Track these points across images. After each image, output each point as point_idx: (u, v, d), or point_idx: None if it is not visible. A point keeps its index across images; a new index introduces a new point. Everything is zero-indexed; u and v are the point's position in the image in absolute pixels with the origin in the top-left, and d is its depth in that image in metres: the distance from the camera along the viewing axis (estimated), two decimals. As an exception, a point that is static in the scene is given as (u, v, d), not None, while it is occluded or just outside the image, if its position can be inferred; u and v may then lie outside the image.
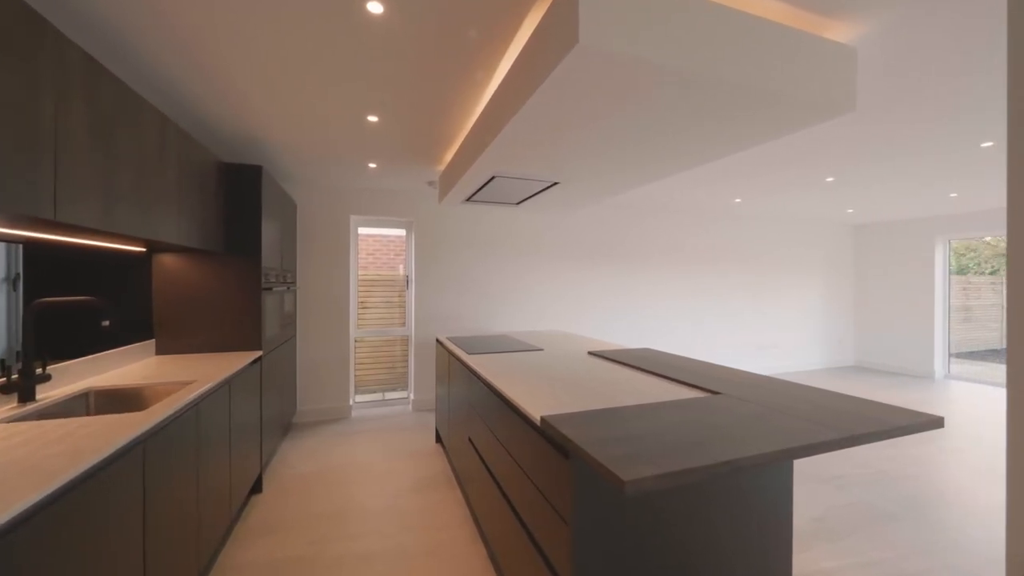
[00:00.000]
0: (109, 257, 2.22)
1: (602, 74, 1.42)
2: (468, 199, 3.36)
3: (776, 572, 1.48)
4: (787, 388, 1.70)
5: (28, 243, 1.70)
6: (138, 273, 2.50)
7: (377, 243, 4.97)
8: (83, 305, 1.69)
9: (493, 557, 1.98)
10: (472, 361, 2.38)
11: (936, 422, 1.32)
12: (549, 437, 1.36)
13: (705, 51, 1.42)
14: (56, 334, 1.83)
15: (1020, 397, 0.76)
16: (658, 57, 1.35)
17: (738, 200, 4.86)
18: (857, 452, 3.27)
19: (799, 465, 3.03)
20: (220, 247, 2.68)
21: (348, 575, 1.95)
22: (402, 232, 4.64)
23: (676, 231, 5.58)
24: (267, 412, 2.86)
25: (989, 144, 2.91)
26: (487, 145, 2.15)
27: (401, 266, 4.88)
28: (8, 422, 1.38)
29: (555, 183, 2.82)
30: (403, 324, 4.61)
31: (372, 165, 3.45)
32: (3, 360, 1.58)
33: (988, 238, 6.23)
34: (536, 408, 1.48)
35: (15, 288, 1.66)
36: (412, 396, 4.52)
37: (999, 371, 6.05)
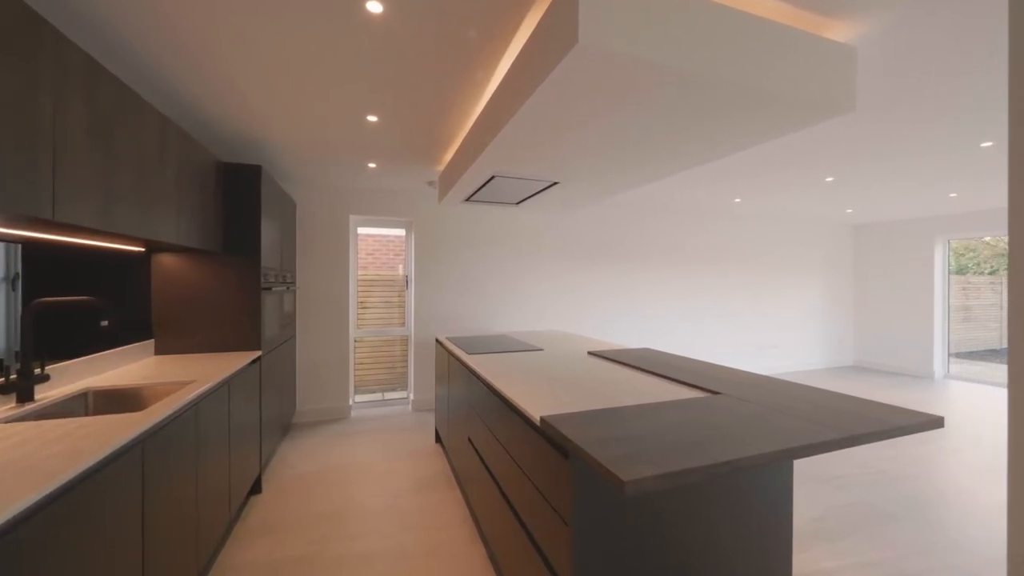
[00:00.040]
0: (108, 257, 2.22)
1: (602, 74, 1.42)
2: (468, 199, 3.36)
3: (776, 572, 1.48)
4: (787, 388, 1.70)
5: (27, 243, 1.70)
6: (137, 273, 2.50)
7: (377, 243, 4.97)
8: (82, 305, 1.69)
9: (493, 557, 1.98)
10: (472, 361, 2.38)
11: (936, 422, 1.32)
12: (549, 437, 1.35)
13: (705, 51, 1.42)
14: (55, 334, 1.83)
15: (1022, 397, 0.76)
16: (658, 57, 1.35)
17: (738, 200, 4.86)
18: (857, 452, 3.27)
19: (799, 465, 3.03)
20: (219, 247, 2.67)
21: (348, 575, 1.95)
22: (402, 232, 4.64)
23: (676, 231, 5.58)
24: (266, 412, 2.86)
25: (989, 144, 2.91)
26: (487, 145, 2.14)
27: (401, 266, 4.88)
28: (6, 422, 1.37)
29: (555, 183, 2.82)
30: (403, 324, 4.61)
31: (372, 165, 3.45)
32: (2, 360, 1.58)
33: (987, 238, 6.23)
34: (536, 408, 1.48)
35: (14, 288, 1.65)
36: (412, 396, 4.52)
37: (998, 371, 6.05)
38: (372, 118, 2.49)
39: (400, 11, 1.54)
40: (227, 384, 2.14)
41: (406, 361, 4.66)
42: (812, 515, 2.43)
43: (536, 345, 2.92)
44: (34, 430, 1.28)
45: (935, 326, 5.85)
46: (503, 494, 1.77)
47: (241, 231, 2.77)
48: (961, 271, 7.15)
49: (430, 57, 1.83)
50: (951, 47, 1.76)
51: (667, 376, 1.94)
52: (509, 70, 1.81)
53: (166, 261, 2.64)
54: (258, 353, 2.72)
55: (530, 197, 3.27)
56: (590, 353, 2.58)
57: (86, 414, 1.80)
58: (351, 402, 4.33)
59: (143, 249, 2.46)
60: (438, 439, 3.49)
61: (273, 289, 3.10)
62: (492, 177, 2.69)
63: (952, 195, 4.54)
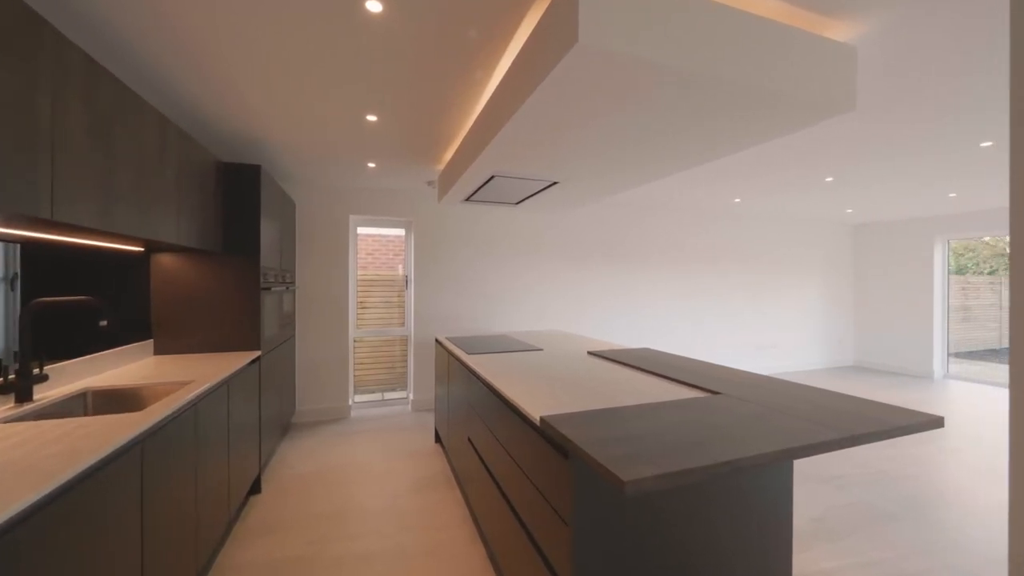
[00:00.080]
0: (108, 257, 2.21)
1: (601, 73, 1.42)
2: (467, 199, 3.35)
3: (776, 572, 1.48)
4: (787, 388, 1.70)
5: (27, 243, 1.70)
6: (136, 273, 2.49)
7: (376, 243, 4.97)
8: (81, 305, 1.69)
9: (492, 557, 1.98)
10: (471, 361, 2.37)
11: (936, 422, 1.32)
12: (549, 437, 1.35)
13: (705, 50, 1.42)
14: (54, 334, 1.82)
15: (1023, 397, 0.76)
16: (658, 56, 1.35)
17: (738, 200, 4.87)
18: (857, 452, 3.27)
19: (799, 465, 3.03)
20: (219, 247, 2.67)
21: (347, 575, 1.94)
22: (401, 232, 4.64)
23: (676, 231, 5.58)
24: (266, 412, 2.86)
25: (988, 144, 2.91)
26: (486, 144, 2.14)
27: (400, 266, 4.88)
28: (5, 423, 1.37)
29: (554, 183, 2.82)
30: (402, 324, 4.61)
31: (371, 165, 3.45)
32: (0, 360, 1.57)
33: (987, 238, 6.23)
34: (536, 408, 1.47)
35: (13, 288, 1.65)
36: (411, 396, 4.52)
37: (998, 371, 6.06)
38: (372, 118, 2.48)
39: (400, 10, 1.53)
40: (226, 384, 2.14)
41: (406, 361, 4.66)
42: (812, 515, 2.43)
43: (536, 345, 2.92)
44: (33, 430, 1.27)
45: (935, 326, 5.85)
46: (503, 494, 1.77)
47: (241, 231, 2.76)
48: (960, 271, 7.15)
49: (430, 56, 1.83)
50: (951, 47, 1.76)
51: (667, 376, 1.93)
52: (509, 69, 1.81)
53: (165, 261, 2.63)
54: (257, 353, 2.72)
55: (530, 197, 3.27)
56: (590, 353, 2.58)
57: (85, 414, 1.80)
58: (351, 402, 4.32)
59: (142, 249, 2.45)
60: (438, 439, 3.48)
61: (272, 289, 3.10)
62: (492, 177, 2.69)
63: (952, 195, 4.55)
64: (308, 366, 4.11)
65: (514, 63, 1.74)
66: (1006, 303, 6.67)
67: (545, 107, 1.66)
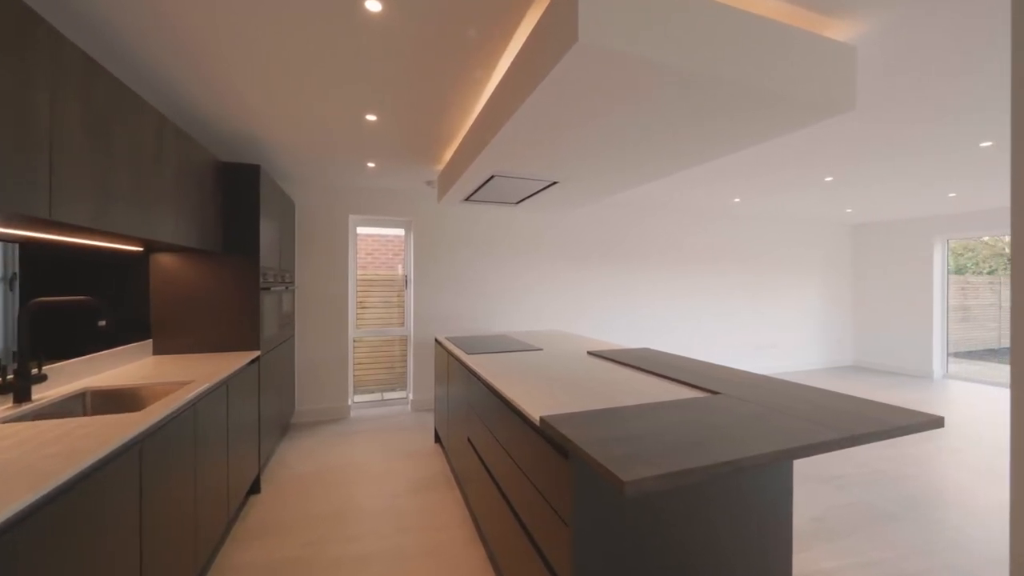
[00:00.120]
0: (107, 257, 2.21)
1: (601, 73, 1.42)
2: (467, 198, 3.35)
3: (776, 572, 1.48)
4: (787, 388, 1.70)
5: (26, 243, 1.69)
6: (136, 273, 2.49)
7: (376, 243, 4.96)
8: (79, 305, 1.68)
9: (492, 558, 1.97)
10: (471, 361, 2.37)
11: (936, 422, 1.32)
12: (548, 437, 1.35)
13: (705, 50, 1.41)
14: (52, 334, 1.82)
15: None
16: (658, 56, 1.35)
17: (737, 200, 4.87)
18: (857, 452, 3.27)
19: (799, 465, 3.03)
20: (218, 247, 2.67)
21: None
22: (401, 232, 4.63)
23: (675, 231, 5.58)
24: (265, 412, 2.85)
25: (988, 144, 2.91)
26: (486, 144, 2.14)
27: (400, 266, 4.88)
28: (3, 423, 1.37)
29: (554, 182, 2.82)
30: (402, 324, 4.60)
31: (371, 164, 3.44)
32: (-1, 360, 1.57)
33: (986, 238, 6.24)
34: (535, 408, 1.47)
35: (11, 288, 1.65)
36: (411, 396, 4.52)
37: (997, 371, 6.06)
38: (371, 117, 2.48)
39: (399, 10, 1.53)
40: (226, 384, 2.14)
41: (405, 361, 4.65)
42: (812, 515, 2.43)
43: (535, 345, 2.92)
44: (31, 430, 1.27)
45: (934, 326, 5.86)
46: (503, 494, 1.77)
47: (240, 231, 2.76)
48: (960, 271, 7.16)
49: (429, 56, 1.83)
50: (951, 47, 1.76)
51: (666, 376, 1.93)
52: (509, 69, 1.81)
53: (165, 261, 2.63)
54: (257, 353, 2.71)
55: (529, 197, 3.27)
56: (589, 353, 2.58)
57: (84, 414, 1.79)
58: (350, 402, 4.32)
59: (141, 249, 2.45)
60: (437, 439, 3.48)
61: (272, 289, 3.09)
62: (491, 177, 2.68)
63: (951, 195, 4.55)
64: (307, 366, 4.11)
65: (514, 62, 1.74)
66: (1005, 303, 6.68)
67: (545, 107, 1.66)
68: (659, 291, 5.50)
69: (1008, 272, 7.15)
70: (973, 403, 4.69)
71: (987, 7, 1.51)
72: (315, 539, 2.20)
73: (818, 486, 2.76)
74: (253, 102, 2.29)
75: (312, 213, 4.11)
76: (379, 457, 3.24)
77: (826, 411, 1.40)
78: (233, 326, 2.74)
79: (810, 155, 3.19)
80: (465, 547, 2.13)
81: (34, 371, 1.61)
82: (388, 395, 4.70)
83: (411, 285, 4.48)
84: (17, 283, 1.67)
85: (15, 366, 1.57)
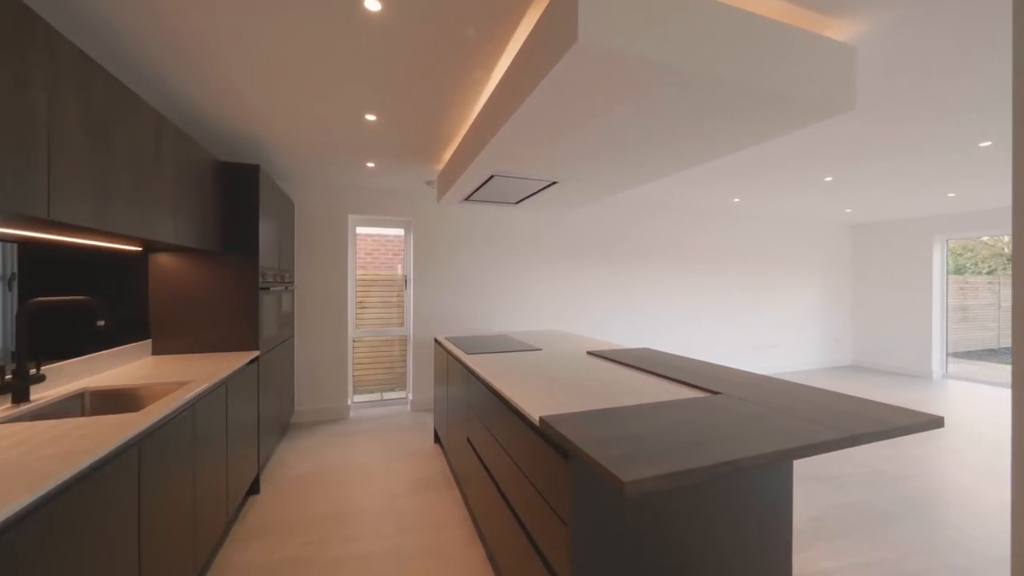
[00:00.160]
0: (106, 257, 2.20)
1: (601, 73, 1.42)
2: (467, 198, 3.35)
3: (776, 572, 1.48)
4: (786, 388, 1.69)
5: (25, 242, 1.69)
6: (135, 273, 2.48)
7: (375, 243, 4.96)
8: (77, 305, 1.68)
9: (491, 558, 1.97)
10: (471, 361, 2.37)
11: (936, 422, 1.32)
12: (548, 437, 1.35)
13: (705, 50, 1.41)
14: (51, 334, 1.81)
15: None
16: (657, 56, 1.35)
17: (737, 200, 4.87)
18: (857, 452, 3.27)
19: (799, 465, 3.03)
20: (217, 246, 2.66)
21: (346, 576, 1.94)
22: (400, 232, 4.63)
23: (675, 231, 5.58)
24: (264, 412, 2.85)
25: (987, 144, 2.92)
26: (486, 144, 2.14)
27: (399, 266, 4.87)
28: (1, 423, 1.36)
29: (554, 182, 2.81)
30: (401, 324, 4.60)
31: (370, 164, 3.44)
32: (-3, 360, 1.57)
33: (985, 238, 6.25)
34: (535, 408, 1.47)
35: (9, 288, 1.64)
36: (410, 396, 4.51)
37: (996, 370, 6.07)
38: (371, 117, 2.48)
39: (399, 9, 1.53)
40: (225, 384, 2.13)
41: (405, 361, 4.65)
42: (812, 515, 2.43)
43: (535, 345, 2.91)
44: (29, 431, 1.27)
45: (933, 326, 5.86)
46: (502, 494, 1.77)
47: (239, 231, 2.76)
48: (959, 271, 7.17)
49: (429, 55, 1.83)
50: (951, 47, 1.76)
51: (666, 376, 1.93)
52: (508, 69, 1.81)
53: (164, 261, 2.63)
54: (256, 353, 2.71)
55: (529, 196, 3.26)
56: (589, 353, 2.58)
57: (82, 415, 1.79)
58: (350, 402, 4.31)
59: (140, 249, 2.44)
60: (437, 439, 3.48)
61: (271, 289, 3.09)
62: (491, 176, 2.68)
63: (951, 195, 4.55)
64: (307, 366, 4.10)
65: (513, 62, 1.74)
66: (1004, 303, 6.68)
67: (544, 106, 1.66)
68: (659, 291, 5.50)
69: (1007, 272, 7.16)
70: (973, 403, 4.69)
71: (987, 7, 1.51)
72: (314, 539, 2.20)
73: (818, 486, 2.76)
74: (253, 102, 2.29)
75: (311, 213, 4.11)
76: (379, 457, 3.24)
77: (826, 411, 1.40)
78: (232, 326, 2.74)
79: (810, 155, 3.19)
80: (464, 547, 2.13)
81: (32, 371, 1.60)
82: (388, 395, 4.70)
83: (411, 285, 4.48)
84: (16, 283, 1.66)
85: (13, 366, 1.56)
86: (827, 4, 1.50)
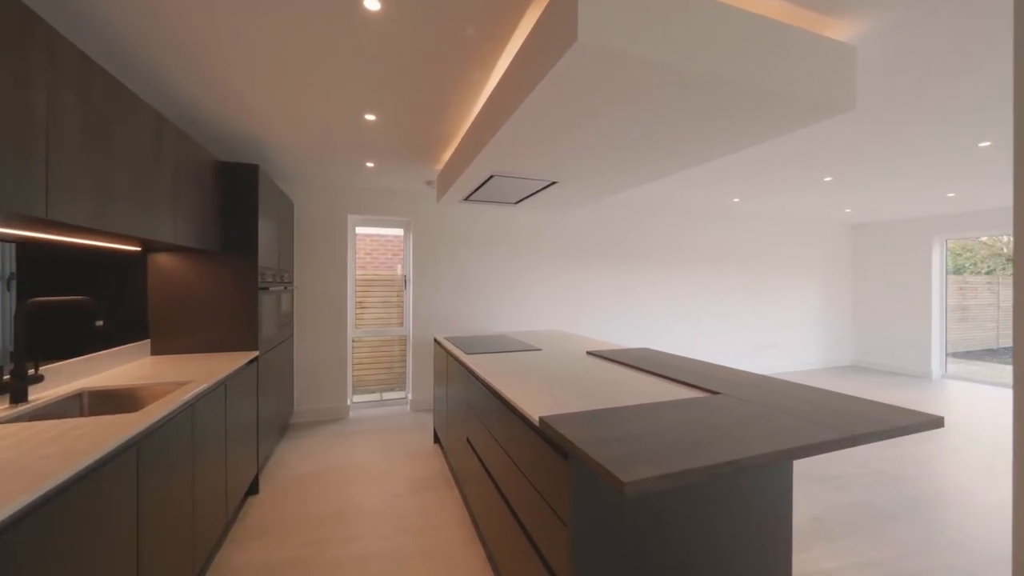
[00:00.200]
0: (105, 257, 2.20)
1: (601, 72, 1.42)
2: (466, 198, 3.35)
3: (776, 572, 1.48)
4: (786, 388, 1.69)
5: (25, 242, 1.68)
6: (134, 273, 2.48)
7: (375, 243, 4.96)
8: (75, 305, 1.68)
9: (491, 558, 1.97)
10: (470, 361, 2.37)
11: (936, 422, 1.32)
12: (548, 438, 1.35)
13: (705, 49, 1.41)
14: (49, 334, 1.81)
15: (1024, 397, 0.76)
16: (657, 55, 1.35)
17: (736, 200, 4.87)
18: (857, 452, 3.27)
19: (799, 465, 3.03)
20: (216, 246, 2.66)
21: (345, 577, 1.94)
22: (400, 232, 4.63)
23: (675, 231, 5.58)
24: (264, 413, 2.84)
25: (987, 144, 2.92)
26: (485, 144, 2.14)
27: (399, 266, 4.87)
28: (0, 423, 1.36)
29: (553, 182, 2.81)
30: (401, 324, 4.60)
31: (370, 164, 3.44)
32: (-5, 360, 1.56)
33: (984, 238, 6.25)
34: (535, 408, 1.47)
35: (8, 288, 1.64)
36: (410, 396, 4.51)
37: (996, 371, 6.07)
38: (370, 117, 2.48)
39: (398, 9, 1.53)
40: (224, 384, 2.13)
41: (404, 361, 4.65)
42: (812, 515, 2.43)
43: (534, 345, 2.91)
44: (28, 431, 1.26)
45: (932, 326, 5.86)
46: (502, 494, 1.77)
47: (238, 230, 2.75)
48: (958, 271, 7.17)
49: (428, 55, 1.82)
50: (951, 47, 1.76)
51: (666, 376, 1.93)
52: (508, 68, 1.81)
53: (163, 261, 2.62)
54: (255, 353, 2.71)
55: (529, 196, 3.26)
56: (589, 353, 2.58)
57: (81, 415, 1.79)
58: (349, 402, 4.31)
59: (139, 249, 2.44)
60: (436, 439, 3.47)
61: (270, 289, 3.08)
62: (491, 176, 2.68)
63: (950, 195, 4.55)
64: (306, 366, 4.10)
65: (513, 62, 1.73)
66: (1003, 303, 6.69)
67: (544, 106, 1.66)
68: (659, 291, 5.50)
69: (1006, 272, 7.16)
70: (972, 403, 4.69)
71: (987, 7, 1.51)
72: (314, 539, 2.19)
73: (818, 486, 2.76)
74: (252, 102, 2.28)
75: (311, 213, 4.10)
76: (378, 457, 3.23)
77: (826, 411, 1.40)
78: (231, 326, 2.73)
79: (810, 155, 3.19)
80: (464, 547, 2.13)
81: (31, 371, 1.60)
82: (387, 395, 4.70)
83: (410, 285, 4.47)
84: (14, 283, 1.66)
85: (12, 366, 1.56)
86: (827, 4, 1.50)
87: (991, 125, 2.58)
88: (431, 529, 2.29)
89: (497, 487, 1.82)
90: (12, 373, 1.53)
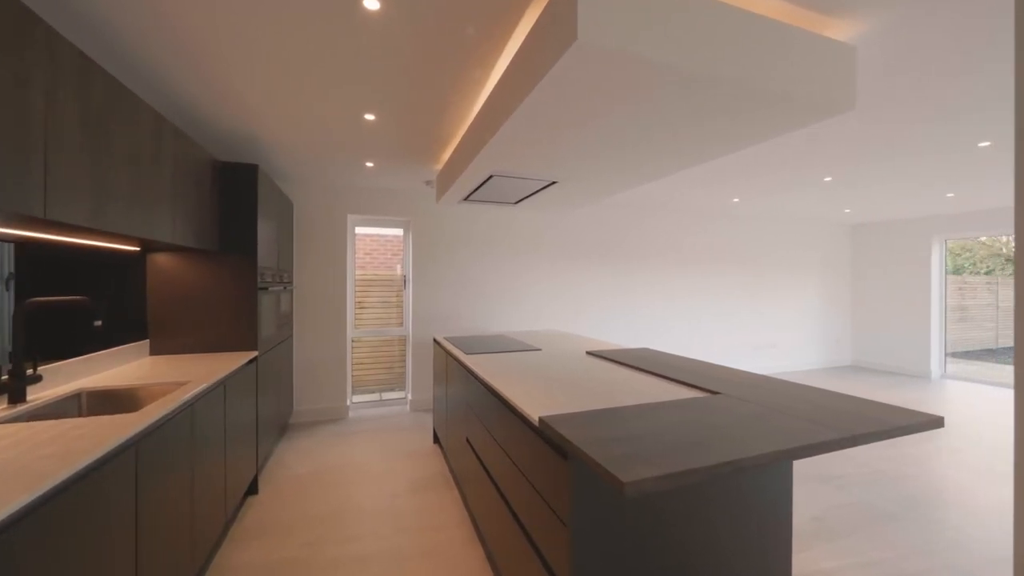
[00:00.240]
0: (105, 256, 2.20)
1: (600, 72, 1.41)
2: (466, 198, 3.34)
3: (776, 572, 1.47)
4: (786, 388, 1.69)
5: (23, 242, 1.68)
6: (133, 273, 2.48)
7: (374, 243, 4.96)
8: (74, 305, 1.67)
9: (491, 558, 1.97)
10: (470, 361, 2.36)
11: (936, 422, 1.32)
12: (547, 438, 1.34)
13: (705, 49, 1.41)
14: (48, 334, 1.81)
15: (1024, 397, 0.76)
16: (657, 55, 1.34)
17: (736, 200, 4.87)
18: (857, 452, 3.27)
19: (799, 465, 3.03)
20: (215, 246, 2.65)
21: (345, 577, 1.93)
22: (399, 232, 4.62)
23: (674, 231, 5.58)
24: (263, 413, 2.84)
25: (986, 144, 2.92)
26: (485, 144, 2.13)
27: (399, 266, 4.87)
28: (-2, 423, 1.35)
29: (553, 182, 2.81)
30: (400, 324, 4.59)
31: (369, 164, 3.43)
32: (-6, 360, 1.56)
33: (983, 238, 6.26)
34: (534, 408, 1.47)
35: (7, 288, 1.63)
36: (410, 396, 4.51)
37: (995, 370, 6.08)
38: (370, 117, 2.47)
39: (398, 8, 1.52)
40: (223, 384, 2.13)
41: (404, 361, 4.64)
42: (812, 515, 2.43)
43: (534, 345, 2.91)
44: (26, 431, 1.26)
45: (932, 326, 5.87)
46: (501, 495, 1.76)
47: (238, 230, 2.75)
48: (957, 271, 7.18)
49: (428, 55, 1.82)
50: (951, 47, 1.76)
51: (666, 376, 1.93)
52: (507, 68, 1.80)
53: (162, 260, 2.62)
54: (255, 353, 2.70)
55: (528, 196, 3.26)
56: (588, 353, 2.58)
57: (80, 415, 1.78)
58: (348, 402, 4.31)
59: (138, 248, 2.44)
60: (436, 439, 3.47)
61: (270, 289, 3.08)
62: (490, 176, 2.68)
63: (949, 195, 4.56)
64: (306, 366, 4.09)
65: (512, 61, 1.73)
66: (1002, 303, 6.70)
67: (544, 106, 1.66)
68: (658, 291, 5.50)
69: (1004, 272, 7.17)
70: (972, 403, 4.69)
71: (987, 7, 1.51)
72: (313, 540, 2.19)
73: (818, 486, 2.76)
74: (252, 102, 2.28)
75: (310, 213, 4.10)
76: (378, 457, 3.23)
77: (826, 411, 1.39)
78: (231, 326, 2.73)
79: (809, 155, 3.19)
80: (464, 547, 2.13)
81: (29, 372, 1.60)
82: (387, 395, 4.69)
83: (410, 285, 4.47)
84: (13, 283, 1.65)
85: (10, 367, 1.56)
86: (827, 4, 1.50)
87: (991, 125, 2.58)
88: (430, 529, 2.28)
89: (497, 487, 1.82)
90: (10, 373, 1.53)
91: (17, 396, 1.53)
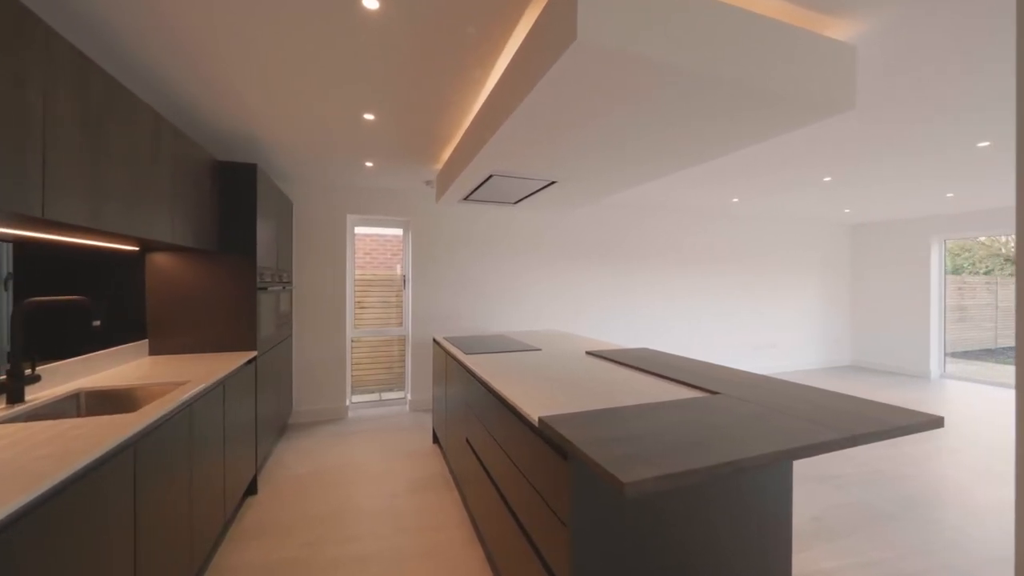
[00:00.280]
0: (103, 256, 2.19)
1: (600, 72, 1.41)
2: (465, 198, 3.34)
3: (775, 572, 1.47)
4: (786, 388, 1.69)
5: (22, 242, 1.68)
6: (132, 272, 2.47)
7: (374, 243, 4.95)
8: (72, 305, 1.67)
9: (490, 558, 1.96)
10: (469, 361, 2.36)
11: (936, 422, 1.32)
12: (547, 438, 1.34)
13: (705, 49, 1.41)
14: (47, 334, 1.80)
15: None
16: (657, 55, 1.34)
17: (736, 200, 4.87)
18: (856, 452, 3.27)
19: (799, 465, 3.03)
20: (215, 246, 2.65)
21: (344, 577, 1.93)
22: (399, 232, 4.62)
23: (674, 231, 5.58)
24: (262, 413, 2.84)
25: (986, 144, 2.92)
26: (485, 143, 2.13)
27: (398, 266, 4.86)
28: (-3, 423, 1.35)
29: (553, 182, 2.81)
30: (400, 324, 4.59)
31: (369, 164, 3.43)
32: (-8, 360, 1.56)
33: (983, 238, 6.26)
34: (534, 408, 1.46)
35: (5, 288, 1.63)
36: (409, 396, 4.50)
37: (994, 370, 6.09)
38: (369, 116, 2.47)
39: (397, 7, 1.52)
40: (222, 384, 2.12)
41: (404, 361, 4.64)
42: (811, 515, 2.43)
43: (534, 345, 2.91)
44: (24, 431, 1.26)
45: (931, 326, 5.87)
46: (501, 495, 1.76)
47: (237, 230, 2.74)
48: (957, 271, 7.19)
49: (427, 54, 1.82)
50: (951, 47, 1.75)
51: (666, 376, 1.93)
52: (507, 67, 1.80)
53: (161, 260, 2.61)
54: (254, 353, 2.70)
55: (528, 196, 3.26)
56: (588, 353, 2.57)
57: (78, 415, 1.78)
58: (348, 402, 4.30)
59: (137, 248, 2.43)
60: (436, 440, 3.47)
61: (269, 289, 3.08)
62: (490, 176, 2.67)
63: (949, 195, 4.56)
64: (305, 366, 4.09)
65: (512, 61, 1.73)
66: (1001, 303, 6.70)
67: (543, 106, 1.65)
68: (658, 291, 5.50)
69: (1004, 272, 7.18)
70: (971, 403, 4.70)
71: (987, 7, 1.51)
72: (313, 540, 2.19)
73: (818, 486, 2.76)
74: (251, 101, 2.28)
75: (310, 213, 4.10)
76: (377, 457, 3.23)
77: (826, 411, 1.39)
78: (230, 326, 2.73)
79: (809, 155, 3.19)
80: (463, 548, 2.13)
81: (28, 372, 1.59)
82: (386, 395, 4.69)
83: (409, 285, 4.47)
84: (11, 283, 1.65)
85: (8, 367, 1.55)
86: (827, 4, 1.50)
87: (991, 125, 2.58)
88: (430, 529, 2.28)
89: (496, 487, 1.82)
90: (9, 373, 1.53)
91: (15, 396, 1.53)
